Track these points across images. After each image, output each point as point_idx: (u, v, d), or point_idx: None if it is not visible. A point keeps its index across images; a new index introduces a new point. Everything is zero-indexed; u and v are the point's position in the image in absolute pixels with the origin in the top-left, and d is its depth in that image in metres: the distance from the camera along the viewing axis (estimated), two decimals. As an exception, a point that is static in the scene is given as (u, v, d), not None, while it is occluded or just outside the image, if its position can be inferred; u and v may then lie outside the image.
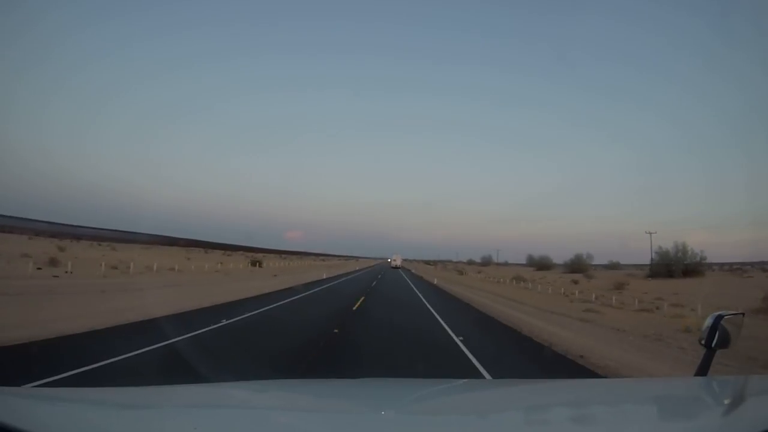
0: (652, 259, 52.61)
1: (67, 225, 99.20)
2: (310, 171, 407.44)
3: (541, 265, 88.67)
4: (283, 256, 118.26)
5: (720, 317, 1.75)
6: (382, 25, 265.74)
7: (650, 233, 55.36)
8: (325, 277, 37.17)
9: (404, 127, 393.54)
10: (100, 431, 1.16)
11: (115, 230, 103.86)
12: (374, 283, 33.25)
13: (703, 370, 1.78)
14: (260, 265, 47.98)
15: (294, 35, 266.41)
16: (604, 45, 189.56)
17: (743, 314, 1.89)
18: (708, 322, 1.76)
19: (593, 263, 79.43)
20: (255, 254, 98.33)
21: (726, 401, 1.47)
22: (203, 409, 1.51)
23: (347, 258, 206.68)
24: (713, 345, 1.74)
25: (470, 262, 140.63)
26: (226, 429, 1.20)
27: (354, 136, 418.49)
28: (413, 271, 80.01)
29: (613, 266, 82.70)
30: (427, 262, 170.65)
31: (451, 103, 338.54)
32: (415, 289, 29.96)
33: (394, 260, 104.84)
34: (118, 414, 1.32)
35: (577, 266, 76.50)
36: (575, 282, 43.78)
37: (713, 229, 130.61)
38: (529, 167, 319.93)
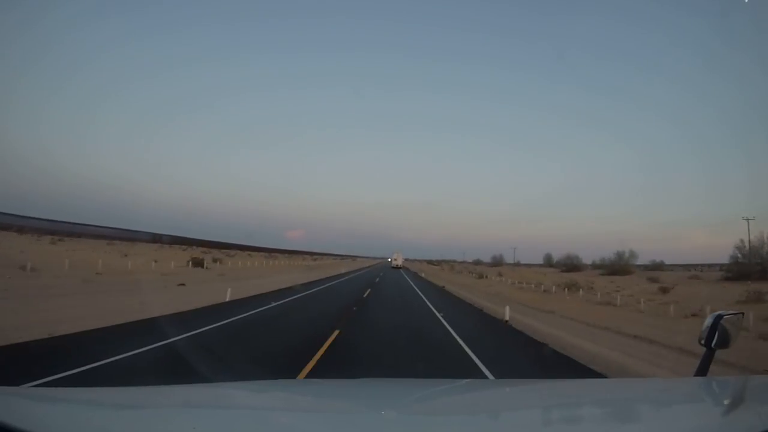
0: (749, 255, 40.04)
1: (63, 222, 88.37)
2: (311, 169, 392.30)
3: (570, 266, 76.29)
4: (273, 254, 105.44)
5: (720, 317, 1.71)
6: (382, 23, 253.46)
7: (748, 219, 42.82)
8: (241, 296, 17.56)
9: (405, 125, 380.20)
10: (99, 431, 1.13)
11: (117, 228, 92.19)
12: (334, 334, 10.10)
13: (702, 370, 1.74)
14: (203, 266, 34.70)
15: (295, 33, 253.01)
16: (604, 45, 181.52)
17: (742, 314, 1.87)
18: (708, 321, 1.71)
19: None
20: (247, 251, 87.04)
21: (726, 401, 1.47)
22: (202, 409, 1.47)
23: (343, 257, 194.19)
24: (713, 345, 1.69)
25: (477, 263, 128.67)
26: (225, 429, 1.17)
27: (355, 134, 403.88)
28: (423, 275, 63.52)
29: (657, 267, 70.51)
30: (431, 262, 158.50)
31: (452, 101, 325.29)
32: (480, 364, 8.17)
33: (395, 259, 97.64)
34: (117, 414, 1.29)
35: (618, 267, 64.51)
36: (664, 291, 31.34)
37: (713, 228, 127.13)
38: (532, 167, 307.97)
